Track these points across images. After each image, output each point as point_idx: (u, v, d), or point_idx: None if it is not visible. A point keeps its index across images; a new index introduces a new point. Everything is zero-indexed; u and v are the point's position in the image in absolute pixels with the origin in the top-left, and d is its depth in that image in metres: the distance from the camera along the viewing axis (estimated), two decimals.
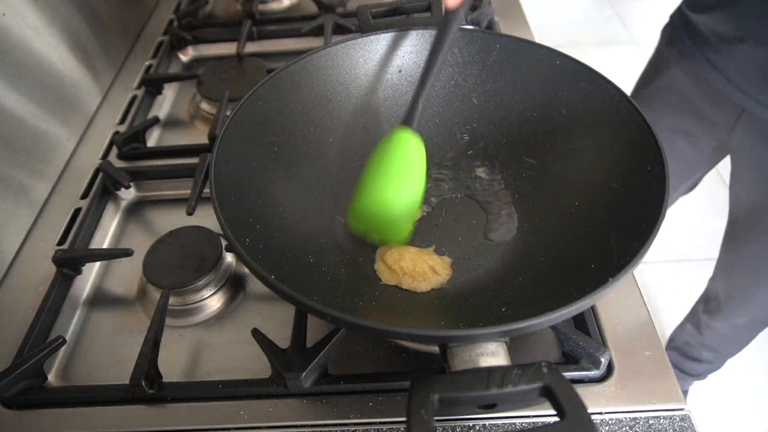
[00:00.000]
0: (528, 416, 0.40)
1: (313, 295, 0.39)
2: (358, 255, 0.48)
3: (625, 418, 0.40)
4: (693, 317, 1.08)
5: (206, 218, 0.55)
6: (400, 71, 0.54)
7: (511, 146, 0.53)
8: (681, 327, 1.15)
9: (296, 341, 0.43)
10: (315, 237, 0.47)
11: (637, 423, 0.39)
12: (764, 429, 1.22)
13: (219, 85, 0.71)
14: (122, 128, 0.68)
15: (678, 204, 1.06)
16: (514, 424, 0.40)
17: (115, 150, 0.65)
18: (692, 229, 1.50)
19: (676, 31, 0.77)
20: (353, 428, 0.40)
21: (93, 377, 0.46)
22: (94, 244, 0.56)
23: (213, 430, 0.41)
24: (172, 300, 0.48)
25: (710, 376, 1.17)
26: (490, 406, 0.31)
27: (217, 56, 0.82)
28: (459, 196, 0.53)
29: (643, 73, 0.89)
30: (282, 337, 0.44)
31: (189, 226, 0.53)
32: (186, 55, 0.84)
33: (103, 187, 0.60)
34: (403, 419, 0.40)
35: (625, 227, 0.39)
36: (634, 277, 0.48)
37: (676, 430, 0.39)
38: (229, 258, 0.53)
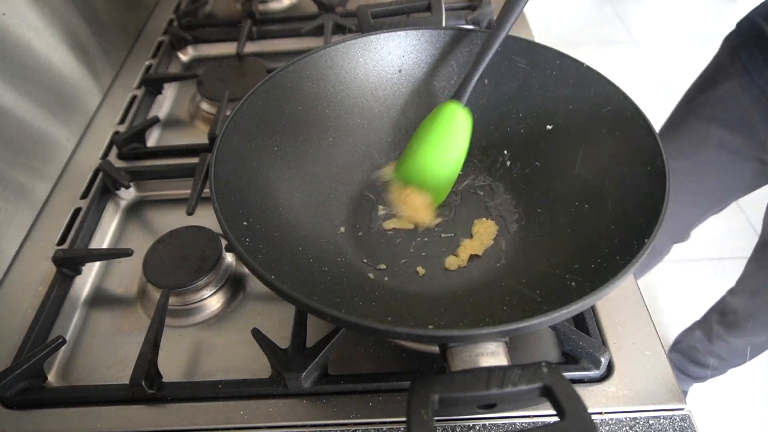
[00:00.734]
0: (528, 416, 0.40)
1: (313, 295, 0.39)
2: (358, 255, 0.48)
3: (625, 418, 0.40)
4: (705, 325, 1.07)
5: (206, 218, 0.55)
6: (400, 71, 0.54)
7: (512, 146, 0.53)
8: (689, 331, 1.14)
9: (296, 341, 0.43)
10: (315, 237, 0.47)
11: (637, 423, 0.39)
12: (764, 429, 1.22)
13: (219, 85, 0.71)
14: (122, 128, 0.68)
15: None
16: (514, 424, 0.40)
17: (115, 150, 0.65)
18: (693, 229, 1.50)
19: (744, 42, 0.71)
20: (353, 428, 0.40)
21: (93, 377, 0.46)
22: (94, 244, 0.56)
23: (213, 430, 0.41)
24: (172, 300, 0.48)
25: None
26: (490, 406, 0.31)
27: (217, 56, 0.82)
28: (459, 194, 0.53)
29: (697, 80, 0.84)
30: (282, 337, 0.44)
31: (189, 226, 0.53)
32: (186, 55, 0.84)
33: (103, 187, 0.60)
34: (403, 419, 0.40)
35: (625, 227, 0.39)
36: (634, 277, 0.48)
37: (676, 430, 0.39)
38: (229, 258, 0.53)
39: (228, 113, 0.61)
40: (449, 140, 0.48)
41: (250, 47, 0.81)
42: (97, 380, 0.46)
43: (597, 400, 0.41)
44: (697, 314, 1.13)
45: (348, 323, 0.32)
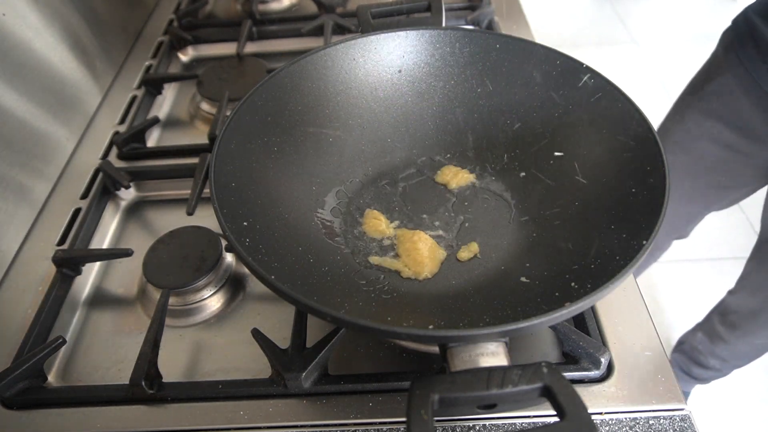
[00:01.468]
0: (528, 416, 0.40)
1: (313, 295, 0.39)
2: (358, 255, 0.48)
3: (625, 418, 0.40)
4: (706, 326, 1.07)
5: (206, 218, 0.55)
6: (399, 71, 0.54)
7: (512, 146, 0.53)
8: (692, 333, 1.13)
9: (296, 341, 0.43)
10: (315, 237, 0.47)
11: (637, 423, 0.39)
12: (765, 430, 1.22)
13: (219, 85, 0.71)
14: (122, 128, 0.68)
15: None
16: (514, 424, 0.40)
17: (115, 150, 0.65)
18: (693, 225, 1.50)
19: (739, 36, 0.72)
20: (353, 428, 0.40)
21: (93, 377, 0.46)
22: (94, 244, 0.56)
23: (213, 430, 0.41)
24: (172, 300, 0.48)
25: None
26: (490, 407, 0.31)
27: (217, 56, 0.82)
28: (456, 195, 0.53)
29: (695, 77, 0.85)
30: (282, 337, 0.44)
31: (189, 226, 0.53)
32: (186, 55, 0.84)
33: (103, 187, 0.60)
34: (403, 419, 0.40)
35: (625, 227, 0.39)
36: (634, 277, 0.48)
37: (676, 430, 0.39)
38: (229, 258, 0.53)
39: (228, 113, 0.60)
40: None
41: (250, 47, 0.81)
42: (97, 380, 0.46)
43: (597, 400, 0.41)
44: (698, 314, 1.13)
45: (348, 323, 0.32)
